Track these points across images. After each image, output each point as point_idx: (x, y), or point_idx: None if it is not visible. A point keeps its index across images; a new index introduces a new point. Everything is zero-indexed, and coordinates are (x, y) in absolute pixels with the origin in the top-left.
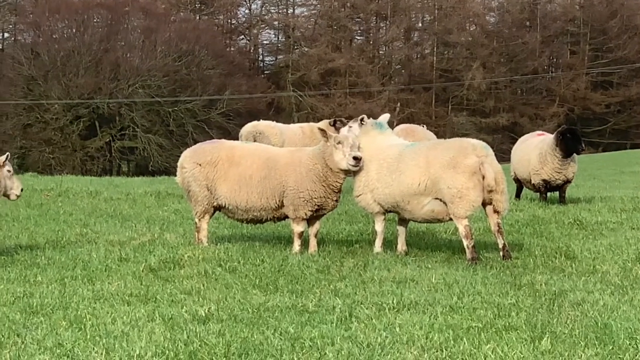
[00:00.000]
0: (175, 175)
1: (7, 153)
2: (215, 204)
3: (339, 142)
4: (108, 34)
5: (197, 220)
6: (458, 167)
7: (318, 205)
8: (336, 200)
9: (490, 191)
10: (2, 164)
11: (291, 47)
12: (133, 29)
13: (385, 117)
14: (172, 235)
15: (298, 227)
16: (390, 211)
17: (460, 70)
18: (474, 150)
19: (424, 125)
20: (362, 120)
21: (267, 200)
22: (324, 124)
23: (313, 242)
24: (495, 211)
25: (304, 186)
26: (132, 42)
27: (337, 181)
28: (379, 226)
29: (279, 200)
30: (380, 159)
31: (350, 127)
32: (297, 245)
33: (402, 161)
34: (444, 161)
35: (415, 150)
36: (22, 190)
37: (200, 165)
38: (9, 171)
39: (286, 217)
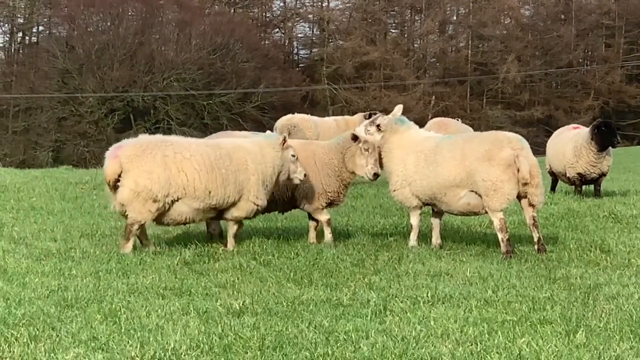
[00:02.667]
0: None
1: (285, 134)
2: None
3: (366, 149)
4: (143, 27)
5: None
6: (493, 159)
7: (331, 199)
8: (344, 196)
9: (525, 184)
10: (285, 146)
11: (326, 40)
12: (168, 22)
13: (399, 109)
14: (207, 228)
15: (323, 217)
16: (427, 204)
17: (495, 64)
18: (509, 143)
19: (458, 119)
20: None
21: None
22: (358, 117)
23: (312, 234)
24: (531, 204)
25: (318, 179)
26: (166, 35)
27: (349, 177)
28: (414, 220)
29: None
30: (418, 151)
31: (369, 129)
32: (328, 234)
33: (439, 153)
34: (479, 154)
35: (452, 143)
36: (305, 175)
37: None
38: (293, 155)
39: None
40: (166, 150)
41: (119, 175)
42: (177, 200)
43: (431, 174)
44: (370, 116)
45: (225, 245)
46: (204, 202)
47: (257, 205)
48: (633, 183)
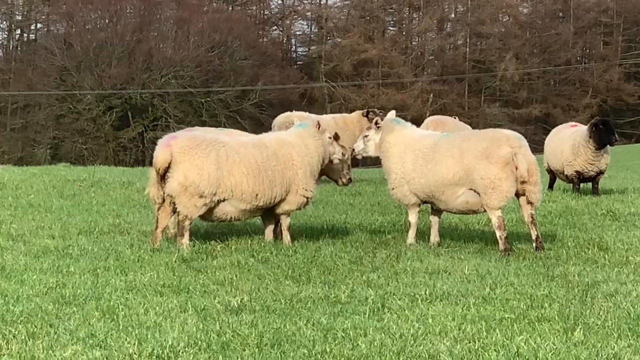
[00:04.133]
0: None
1: (316, 119)
2: None
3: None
4: (141, 24)
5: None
6: (491, 157)
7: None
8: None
9: (524, 182)
10: (321, 130)
11: (324, 38)
12: (166, 19)
13: (392, 113)
14: (204, 225)
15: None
16: (425, 202)
17: (493, 61)
18: (508, 141)
19: (455, 117)
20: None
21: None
22: (356, 115)
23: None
24: (529, 202)
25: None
26: (164, 33)
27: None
28: (412, 217)
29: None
30: (416, 149)
31: (367, 135)
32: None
33: (437, 151)
34: (478, 152)
35: (450, 141)
36: (343, 154)
37: None
38: (329, 137)
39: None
40: (220, 151)
41: (169, 165)
42: (224, 201)
43: (429, 172)
44: (368, 113)
45: (280, 238)
46: (250, 204)
47: (307, 197)
48: (631, 181)
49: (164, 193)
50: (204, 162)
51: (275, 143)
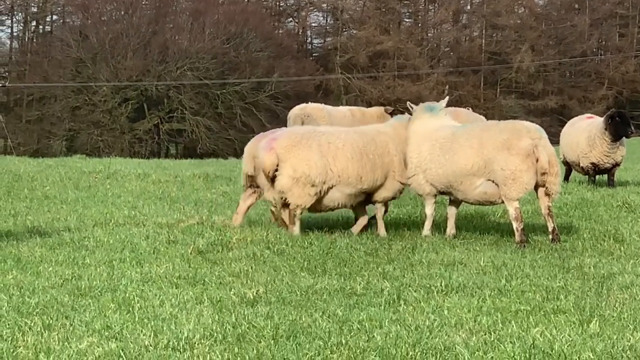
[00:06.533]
0: (223, 158)
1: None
2: None
3: None
4: (156, 16)
5: None
6: (512, 149)
7: None
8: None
9: (544, 174)
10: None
11: (339, 30)
12: (181, 11)
13: (443, 102)
14: (220, 217)
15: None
16: (442, 192)
17: (509, 53)
18: (528, 133)
19: (469, 108)
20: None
21: None
22: (377, 110)
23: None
24: (547, 194)
25: None
26: (180, 25)
27: None
28: (428, 209)
29: None
30: (433, 139)
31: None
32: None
33: (455, 142)
34: (498, 143)
35: (469, 131)
36: None
37: None
38: None
39: None
40: (320, 140)
41: (277, 166)
42: (332, 188)
43: (447, 163)
44: (392, 112)
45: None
46: (355, 188)
47: (402, 184)
48: None
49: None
50: (309, 154)
51: (372, 131)
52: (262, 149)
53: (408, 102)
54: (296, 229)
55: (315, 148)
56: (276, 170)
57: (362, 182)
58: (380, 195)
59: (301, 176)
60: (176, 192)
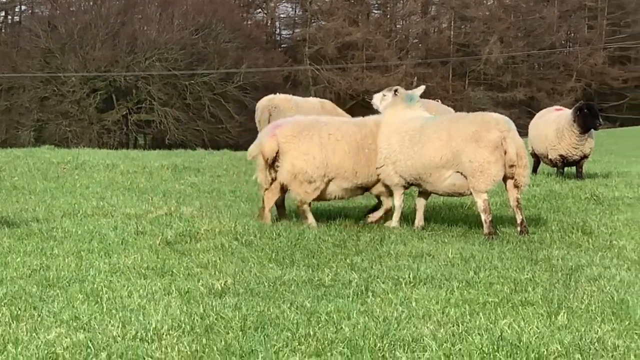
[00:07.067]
0: (191, 149)
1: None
2: None
3: None
4: (125, 6)
5: None
6: (480, 141)
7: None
8: None
9: (512, 166)
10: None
11: (308, 21)
12: (150, 1)
13: (419, 90)
14: (188, 208)
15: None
16: (411, 184)
17: (478, 45)
18: (497, 125)
19: (439, 100)
20: (396, 91)
21: None
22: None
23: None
24: (516, 186)
25: None
26: (149, 15)
27: None
28: (397, 200)
29: None
30: (403, 131)
31: (385, 95)
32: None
33: (424, 134)
34: (467, 135)
35: (438, 123)
36: None
37: None
38: None
39: None
40: (322, 131)
41: (277, 154)
42: (330, 181)
43: (416, 155)
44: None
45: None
46: (351, 182)
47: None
48: (615, 165)
49: (272, 178)
50: (309, 147)
51: (373, 123)
52: (265, 134)
53: (398, 87)
54: (311, 221)
55: (316, 140)
56: (275, 157)
57: (357, 177)
58: (377, 189)
59: (299, 172)
60: (144, 183)
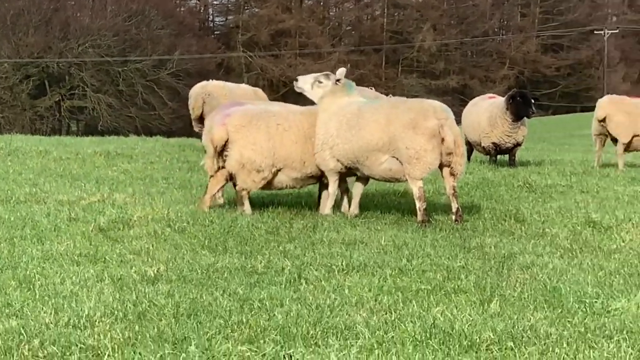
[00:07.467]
0: (124, 135)
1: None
2: None
3: None
4: None
5: None
6: (418, 128)
7: None
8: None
9: (449, 154)
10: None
11: (241, 8)
12: None
13: (341, 72)
14: (121, 195)
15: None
16: (349, 168)
17: (411, 32)
18: (435, 113)
19: (373, 87)
20: (338, 80)
21: None
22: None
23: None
24: (452, 174)
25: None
26: (82, 2)
27: None
28: (331, 187)
29: None
30: (340, 115)
31: (321, 82)
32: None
33: (361, 117)
34: (405, 121)
35: (377, 107)
36: None
37: None
38: None
39: None
40: (270, 121)
41: (226, 142)
42: (279, 171)
43: (353, 138)
44: None
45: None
46: (301, 172)
47: None
48: (547, 153)
49: (219, 166)
50: (256, 137)
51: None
52: (216, 122)
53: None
54: (247, 208)
55: (264, 130)
56: (224, 146)
57: (305, 167)
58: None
59: (247, 162)
60: (77, 170)
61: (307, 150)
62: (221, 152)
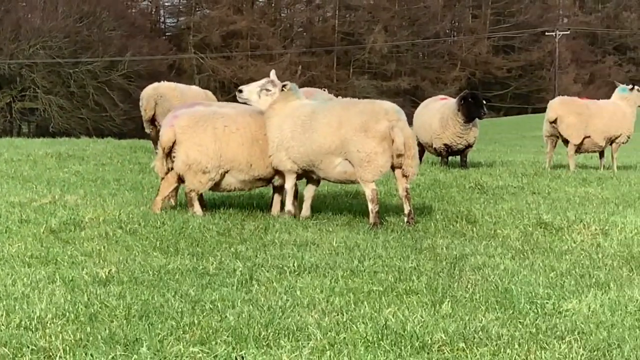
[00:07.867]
0: (76, 137)
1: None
2: None
3: None
4: None
5: None
6: (369, 131)
7: None
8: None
9: (400, 155)
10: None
11: (193, 9)
12: None
13: (273, 74)
14: (72, 196)
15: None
16: (304, 170)
17: (362, 34)
18: (386, 115)
19: (325, 89)
20: (284, 86)
21: None
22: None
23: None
24: (404, 175)
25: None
26: (33, 3)
27: None
28: (288, 183)
29: None
30: (295, 117)
31: (269, 90)
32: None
33: (315, 119)
34: (356, 124)
35: (329, 109)
36: None
37: None
38: None
39: None
40: (217, 123)
41: (174, 143)
42: (227, 173)
43: (307, 141)
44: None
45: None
46: (248, 175)
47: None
48: (499, 154)
49: (168, 167)
50: (202, 138)
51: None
52: (165, 124)
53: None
54: (197, 210)
55: (210, 131)
56: (172, 147)
57: (252, 169)
58: (278, 181)
59: (193, 163)
60: (28, 171)
61: (253, 153)
62: (169, 154)
